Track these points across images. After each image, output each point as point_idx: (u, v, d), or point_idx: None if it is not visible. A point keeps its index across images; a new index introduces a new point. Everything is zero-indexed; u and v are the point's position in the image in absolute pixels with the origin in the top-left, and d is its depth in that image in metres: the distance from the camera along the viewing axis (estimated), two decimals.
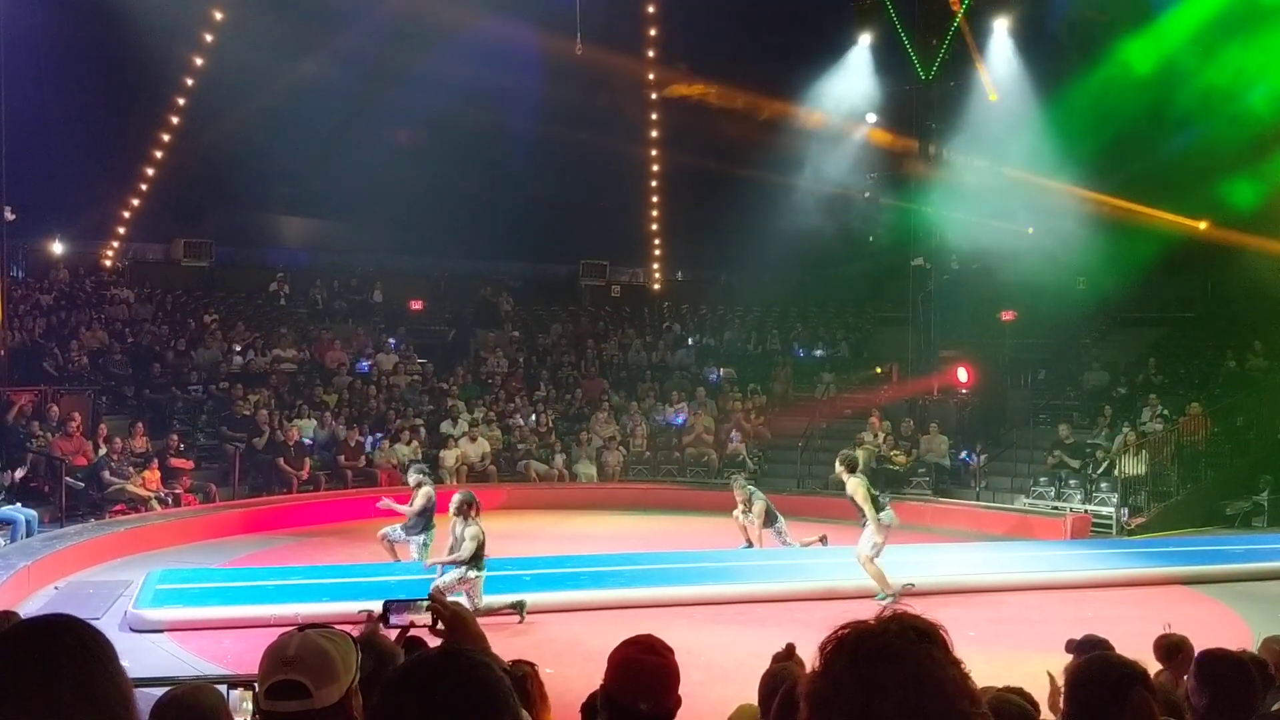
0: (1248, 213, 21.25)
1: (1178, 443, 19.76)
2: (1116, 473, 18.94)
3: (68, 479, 16.56)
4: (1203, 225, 23.31)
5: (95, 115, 22.79)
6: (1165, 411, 20.34)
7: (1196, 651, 4.18)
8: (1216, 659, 3.81)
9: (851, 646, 1.63)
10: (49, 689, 1.79)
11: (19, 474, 15.81)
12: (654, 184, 28.69)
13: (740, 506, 15.95)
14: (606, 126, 25.80)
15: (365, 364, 23.82)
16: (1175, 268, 24.18)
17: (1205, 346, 23.37)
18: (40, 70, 19.98)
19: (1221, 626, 11.11)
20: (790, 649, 4.82)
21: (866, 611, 1.73)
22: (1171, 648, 5.39)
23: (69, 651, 1.84)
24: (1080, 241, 22.09)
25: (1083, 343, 24.55)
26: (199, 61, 23.69)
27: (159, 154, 24.68)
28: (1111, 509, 18.54)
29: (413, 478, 14.32)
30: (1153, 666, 5.25)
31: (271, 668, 2.35)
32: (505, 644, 3.00)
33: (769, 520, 15.72)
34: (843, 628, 1.68)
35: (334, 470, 20.11)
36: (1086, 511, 18.53)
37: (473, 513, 11.74)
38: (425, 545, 13.57)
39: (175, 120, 24.40)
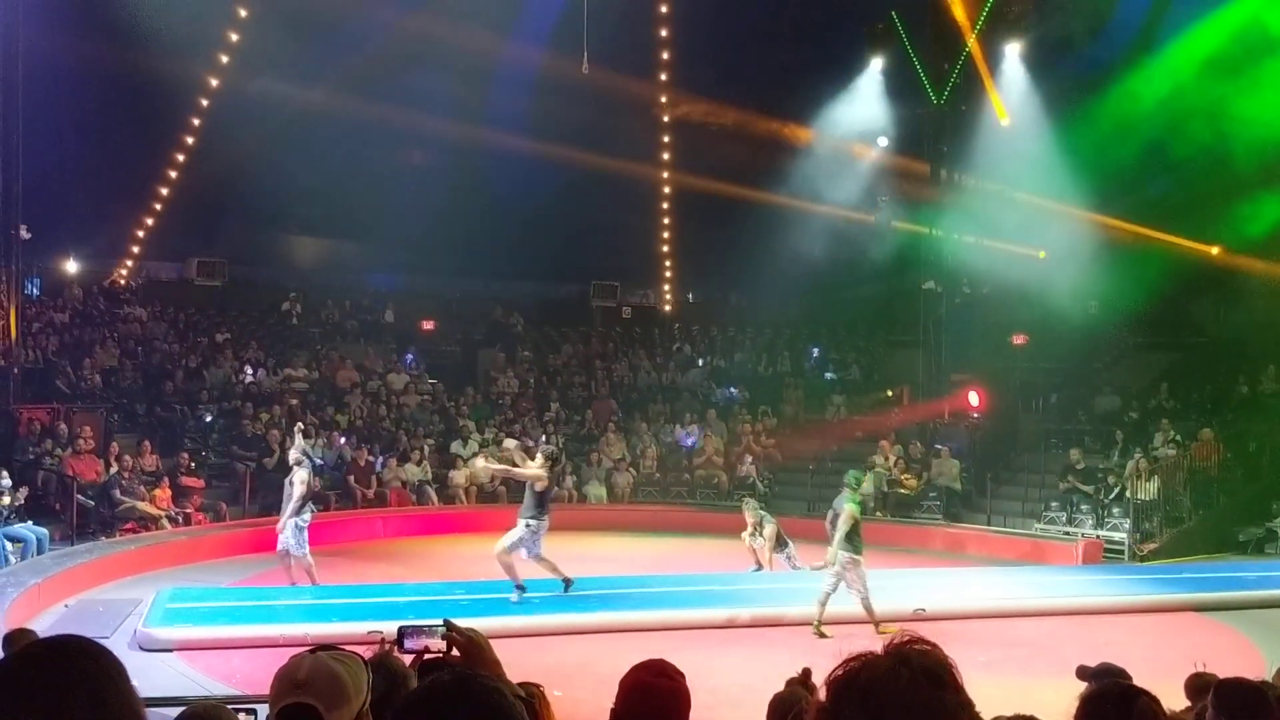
0: (1261, 237, 21.19)
1: (1190, 468, 19.63)
2: (1128, 498, 18.82)
3: (79, 497, 16.60)
4: (1215, 250, 23.26)
5: (110, 135, 22.91)
6: (1177, 436, 20.20)
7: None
8: (1235, 687, 3.78)
9: (863, 690, 1.59)
10: (63, 710, 1.79)
11: (22, 494, 15.81)
12: (665, 205, 28.71)
13: (750, 529, 15.92)
14: (618, 148, 25.85)
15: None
16: (1188, 292, 24.09)
17: (1217, 371, 23.22)
18: (56, 90, 20.14)
19: (1235, 653, 11.02)
20: (806, 673, 4.78)
21: (876, 637, 1.70)
22: (1201, 687, 5.35)
23: (82, 672, 1.84)
24: (1092, 266, 22.03)
25: (1094, 367, 24.45)
26: (214, 82, 23.81)
27: (173, 173, 24.76)
28: (1123, 534, 18.41)
29: (292, 455, 13.95)
30: (1169, 696, 5.20)
31: (282, 690, 2.34)
32: (514, 666, 2.98)
33: (779, 545, 15.68)
34: (851, 661, 1.64)
35: (343, 490, 20.10)
36: (1098, 537, 18.43)
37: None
38: (300, 528, 13.45)
39: (189, 140, 24.51)
